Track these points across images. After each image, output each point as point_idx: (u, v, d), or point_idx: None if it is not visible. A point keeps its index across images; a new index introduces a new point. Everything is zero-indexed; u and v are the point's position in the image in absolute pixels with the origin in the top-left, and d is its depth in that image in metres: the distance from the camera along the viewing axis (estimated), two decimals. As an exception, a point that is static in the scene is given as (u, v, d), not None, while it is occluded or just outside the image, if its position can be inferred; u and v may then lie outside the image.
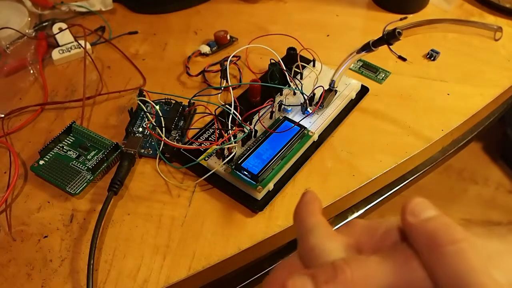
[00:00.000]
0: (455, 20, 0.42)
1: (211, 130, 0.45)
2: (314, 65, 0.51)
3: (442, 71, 0.54)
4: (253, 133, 0.43)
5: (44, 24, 0.58)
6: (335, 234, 0.22)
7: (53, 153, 0.44)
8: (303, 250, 0.21)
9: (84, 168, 0.42)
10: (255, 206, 0.40)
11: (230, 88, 0.48)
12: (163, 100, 0.49)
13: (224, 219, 0.40)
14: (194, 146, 0.44)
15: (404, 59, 0.55)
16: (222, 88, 0.50)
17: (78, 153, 0.44)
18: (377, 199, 0.48)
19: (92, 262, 0.36)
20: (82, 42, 0.54)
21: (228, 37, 0.56)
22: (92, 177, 0.42)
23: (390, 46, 0.55)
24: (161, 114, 0.45)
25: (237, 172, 0.41)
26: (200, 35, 0.58)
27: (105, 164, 0.43)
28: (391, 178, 0.47)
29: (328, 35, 0.59)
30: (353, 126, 0.48)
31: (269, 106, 0.45)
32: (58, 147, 0.44)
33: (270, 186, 0.41)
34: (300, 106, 0.47)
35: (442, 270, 0.18)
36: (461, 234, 0.18)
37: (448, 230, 0.19)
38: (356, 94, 0.50)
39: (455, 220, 0.22)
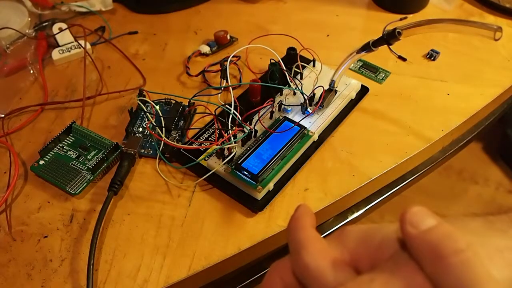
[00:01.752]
0: (455, 20, 0.42)
1: (211, 130, 0.45)
2: (314, 65, 0.51)
3: (442, 71, 0.54)
4: (253, 133, 0.43)
5: (44, 24, 0.58)
6: (328, 250, 0.21)
7: (53, 153, 0.44)
8: (297, 266, 0.21)
9: (84, 168, 0.42)
10: (255, 206, 0.40)
11: (230, 88, 0.48)
12: (163, 100, 0.49)
13: (224, 219, 0.40)
14: (194, 146, 0.44)
15: (404, 59, 0.55)
16: (222, 88, 0.50)
17: (78, 153, 0.44)
18: (377, 199, 0.48)
19: (92, 262, 0.36)
20: (82, 42, 0.54)
21: (228, 37, 0.56)
22: (92, 177, 0.42)
23: (390, 46, 0.55)
24: (161, 114, 0.45)
25: (237, 172, 0.41)
26: (200, 35, 0.58)
27: (105, 164, 0.43)
28: (391, 178, 0.47)
29: (328, 35, 0.59)
30: (353, 126, 0.48)
31: (269, 106, 0.45)
32: (58, 147, 0.44)
33: (270, 186, 0.41)
34: (300, 106, 0.47)
35: (447, 281, 0.18)
36: (464, 243, 0.18)
37: (451, 240, 0.18)
38: (356, 94, 0.50)
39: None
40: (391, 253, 0.20)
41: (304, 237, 0.22)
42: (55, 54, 0.54)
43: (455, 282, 0.18)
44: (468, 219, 0.23)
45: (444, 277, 0.18)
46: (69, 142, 0.45)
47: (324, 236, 0.45)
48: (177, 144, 0.44)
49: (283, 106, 0.47)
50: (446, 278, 0.18)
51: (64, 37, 0.55)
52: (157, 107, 0.46)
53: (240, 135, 0.42)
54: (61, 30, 0.55)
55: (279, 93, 0.48)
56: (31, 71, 0.53)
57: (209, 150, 0.43)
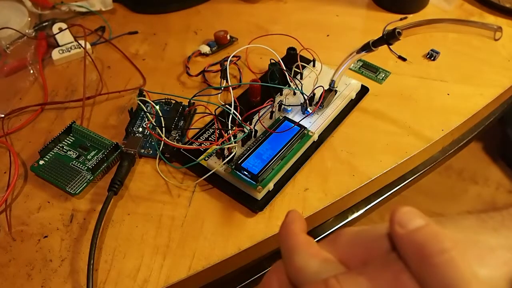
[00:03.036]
0: (455, 20, 0.42)
1: (211, 130, 0.45)
2: (314, 65, 0.51)
3: (442, 71, 0.54)
4: (253, 133, 0.43)
5: (44, 24, 0.58)
6: (320, 252, 0.22)
7: (53, 153, 0.44)
8: (291, 270, 0.22)
9: (84, 168, 0.42)
10: (255, 206, 0.40)
11: (230, 88, 0.48)
12: (163, 100, 0.49)
13: (224, 219, 0.40)
14: (194, 146, 0.44)
15: (404, 59, 0.55)
16: (222, 88, 0.50)
17: (78, 153, 0.44)
18: (377, 199, 0.48)
19: (92, 262, 0.36)
20: (82, 42, 0.54)
21: (228, 37, 0.56)
22: (92, 177, 0.42)
23: (390, 46, 0.55)
24: (161, 114, 0.45)
25: (237, 172, 0.41)
26: (200, 35, 0.58)
27: (105, 164, 0.43)
28: (391, 178, 0.47)
29: (328, 35, 0.59)
30: (353, 126, 0.48)
31: (269, 106, 0.45)
32: (58, 147, 0.44)
33: (270, 186, 0.41)
34: (300, 106, 0.47)
35: (432, 281, 0.18)
36: (449, 243, 0.18)
37: (437, 240, 0.18)
38: (356, 94, 0.50)
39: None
40: (381, 253, 0.20)
41: (295, 242, 0.22)
42: (55, 54, 0.54)
43: (439, 282, 0.18)
44: (460, 218, 0.23)
45: (429, 277, 0.18)
46: (69, 142, 0.45)
47: (323, 237, 0.45)
48: (177, 144, 0.44)
49: (283, 106, 0.47)
50: (431, 277, 0.18)
51: (64, 37, 0.55)
52: (157, 107, 0.46)
53: (240, 135, 0.42)
54: (61, 30, 0.55)
55: (279, 93, 0.48)
56: (31, 71, 0.53)
57: (209, 150, 0.43)
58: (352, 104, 0.49)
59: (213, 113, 0.45)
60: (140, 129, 0.46)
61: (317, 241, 0.23)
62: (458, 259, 0.18)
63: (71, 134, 0.45)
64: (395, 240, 0.20)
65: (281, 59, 0.49)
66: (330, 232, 0.45)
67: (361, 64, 0.54)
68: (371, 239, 0.21)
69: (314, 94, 0.46)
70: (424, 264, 0.18)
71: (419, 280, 0.18)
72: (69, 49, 0.54)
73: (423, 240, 0.19)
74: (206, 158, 0.42)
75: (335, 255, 0.22)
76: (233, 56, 0.51)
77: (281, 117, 0.45)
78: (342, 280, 0.19)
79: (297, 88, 0.47)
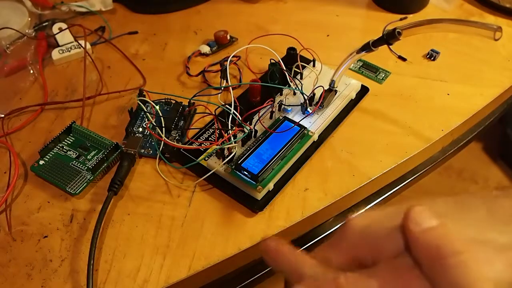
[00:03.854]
0: (455, 20, 0.42)
1: (211, 130, 0.45)
2: (314, 65, 0.51)
3: (442, 71, 0.54)
4: (253, 133, 0.43)
5: (44, 24, 0.58)
6: (324, 259, 0.22)
7: (53, 153, 0.44)
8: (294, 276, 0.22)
9: (84, 168, 0.42)
10: (255, 206, 0.40)
11: (230, 88, 0.48)
12: (163, 100, 0.49)
13: (224, 219, 0.40)
14: (194, 146, 0.44)
15: (404, 59, 0.55)
16: (222, 88, 0.50)
17: (78, 153, 0.44)
18: (377, 199, 0.48)
19: (92, 262, 0.36)
20: (82, 42, 0.54)
21: (228, 37, 0.56)
22: (92, 177, 0.42)
23: (390, 46, 0.55)
24: (161, 114, 0.45)
25: (237, 172, 0.41)
26: (200, 35, 0.58)
27: (105, 164, 0.43)
28: (391, 178, 0.47)
29: (328, 35, 0.59)
30: (353, 126, 0.48)
31: (269, 106, 0.45)
32: (58, 147, 0.44)
33: (270, 186, 0.41)
34: (300, 106, 0.47)
35: (443, 282, 0.18)
36: (462, 245, 0.18)
37: (449, 241, 0.19)
38: (356, 94, 0.50)
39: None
40: (391, 248, 0.20)
41: (296, 258, 0.22)
42: (55, 54, 0.54)
43: (450, 283, 0.18)
44: (472, 209, 0.22)
45: (440, 278, 0.18)
46: (69, 142, 0.45)
47: (323, 237, 0.45)
48: (177, 144, 0.44)
49: (283, 106, 0.47)
50: (443, 278, 0.18)
51: (64, 37, 0.55)
52: (157, 107, 0.46)
53: (240, 135, 0.42)
54: (61, 30, 0.55)
55: (279, 93, 0.48)
56: (31, 71, 0.53)
57: (209, 150, 0.43)
58: (352, 104, 0.49)
59: (213, 113, 0.45)
60: (140, 129, 0.46)
61: (317, 241, 0.23)
62: (470, 262, 0.18)
63: (71, 134, 0.45)
64: (408, 238, 0.20)
65: (281, 59, 0.49)
66: (330, 232, 0.45)
67: (361, 64, 0.54)
68: (381, 233, 0.21)
69: (314, 94, 0.46)
70: (436, 265, 0.18)
71: (430, 280, 0.18)
72: (69, 49, 0.54)
73: (436, 240, 0.19)
74: (206, 158, 0.42)
75: (343, 253, 0.22)
76: (233, 56, 0.51)
77: (281, 117, 0.45)
78: (351, 279, 0.19)
79: (297, 88, 0.47)
